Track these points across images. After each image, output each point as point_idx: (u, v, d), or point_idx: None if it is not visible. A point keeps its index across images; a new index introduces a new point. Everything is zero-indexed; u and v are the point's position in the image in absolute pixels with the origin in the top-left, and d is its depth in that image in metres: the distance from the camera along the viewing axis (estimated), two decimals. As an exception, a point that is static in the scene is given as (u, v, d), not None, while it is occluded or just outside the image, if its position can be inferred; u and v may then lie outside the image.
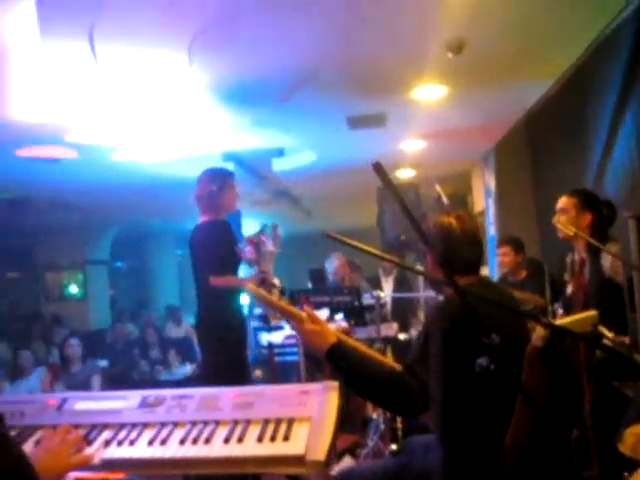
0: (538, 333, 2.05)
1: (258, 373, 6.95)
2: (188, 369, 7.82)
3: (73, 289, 12.13)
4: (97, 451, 1.84)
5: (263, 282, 2.33)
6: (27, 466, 1.35)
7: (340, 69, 4.55)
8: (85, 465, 1.78)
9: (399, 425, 4.33)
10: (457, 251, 2.38)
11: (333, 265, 6.81)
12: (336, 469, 3.55)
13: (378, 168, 1.73)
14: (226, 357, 3.95)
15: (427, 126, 6.23)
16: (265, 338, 5.76)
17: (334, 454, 4.65)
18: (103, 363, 7.73)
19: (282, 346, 5.66)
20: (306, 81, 4.58)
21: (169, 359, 8.01)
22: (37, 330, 10.26)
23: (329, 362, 2.32)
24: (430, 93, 5.06)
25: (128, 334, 9.46)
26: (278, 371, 5.86)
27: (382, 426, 4.53)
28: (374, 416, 4.89)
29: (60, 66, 4.02)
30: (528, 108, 5.86)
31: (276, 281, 3.98)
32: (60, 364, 7.17)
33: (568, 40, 4.24)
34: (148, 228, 12.99)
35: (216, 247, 4.04)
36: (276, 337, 5.45)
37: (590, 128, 4.91)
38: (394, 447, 4.18)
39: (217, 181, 4.14)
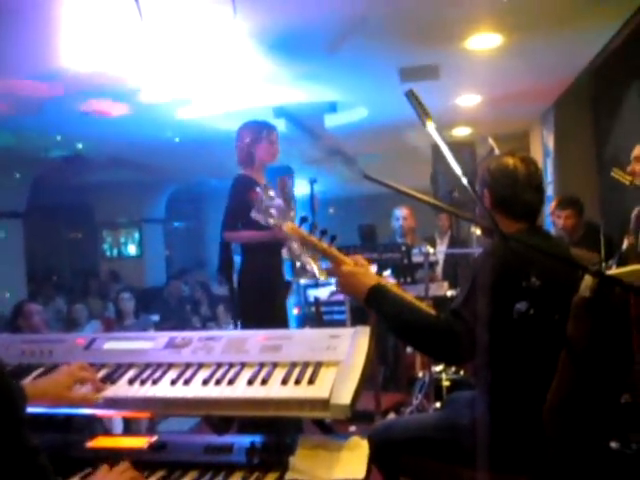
0: (586, 283, 1.93)
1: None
2: (239, 326, 7.88)
3: (130, 247, 12.34)
4: (117, 390, 1.82)
5: (304, 221, 2.22)
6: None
7: (390, 16, 4.38)
8: (84, 403, 1.77)
9: (444, 383, 4.24)
10: (519, 194, 2.27)
11: (402, 212, 6.66)
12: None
13: (411, 95, 1.63)
14: (259, 315, 3.94)
15: (482, 79, 6.01)
16: (312, 294, 5.73)
17: (379, 412, 4.60)
18: (155, 318, 7.84)
19: (330, 304, 5.62)
20: (355, 29, 4.43)
21: (218, 315, 8.10)
22: (94, 286, 10.51)
23: (368, 305, 2.20)
24: (484, 42, 4.86)
25: (181, 291, 9.59)
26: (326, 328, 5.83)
27: (428, 385, 4.46)
28: (420, 375, 4.83)
29: (104, 16, 3.99)
30: (591, 59, 5.55)
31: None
32: (114, 318, 7.30)
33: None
34: (203, 188, 13.05)
35: (230, 202, 4.08)
36: (323, 292, 5.41)
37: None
38: (438, 405, 4.10)
39: (250, 133, 4.13)
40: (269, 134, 4.16)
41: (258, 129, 4.15)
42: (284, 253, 4.04)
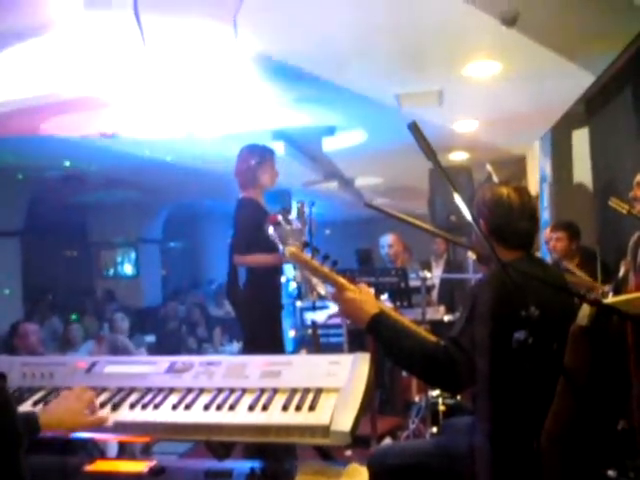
0: (584, 311, 1.95)
1: (303, 353, 6.94)
2: (235, 347, 7.88)
3: (126, 266, 12.33)
4: (119, 414, 1.83)
5: (306, 246, 2.23)
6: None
7: (390, 42, 4.43)
8: (98, 426, 1.78)
9: (441, 408, 4.24)
10: (512, 223, 2.31)
11: (388, 240, 6.67)
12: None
13: (414, 128, 1.65)
14: (260, 334, 3.93)
15: (481, 106, 6.05)
16: (309, 317, 5.73)
17: (375, 435, 4.59)
18: (150, 339, 7.83)
19: (326, 327, 5.62)
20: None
21: (214, 337, 8.09)
22: (89, 305, 10.49)
23: (369, 333, 2.21)
24: (484, 70, 4.89)
25: (178, 312, 9.58)
26: (323, 352, 5.82)
27: (424, 409, 4.45)
28: (417, 399, 4.81)
29: (104, 37, 4.02)
30: (587, 86, 5.60)
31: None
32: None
33: (632, 10, 4.00)
34: (199, 209, 13.06)
35: (239, 225, 4.05)
36: (320, 316, 5.41)
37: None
38: (434, 430, 4.09)
39: (255, 156, 4.12)
40: (272, 158, 4.19)
41: (262, 153, 4.17)
42: (297, 276, 4.06)
